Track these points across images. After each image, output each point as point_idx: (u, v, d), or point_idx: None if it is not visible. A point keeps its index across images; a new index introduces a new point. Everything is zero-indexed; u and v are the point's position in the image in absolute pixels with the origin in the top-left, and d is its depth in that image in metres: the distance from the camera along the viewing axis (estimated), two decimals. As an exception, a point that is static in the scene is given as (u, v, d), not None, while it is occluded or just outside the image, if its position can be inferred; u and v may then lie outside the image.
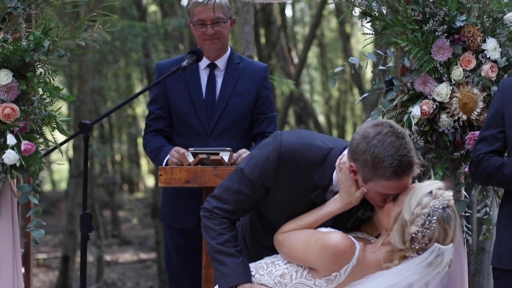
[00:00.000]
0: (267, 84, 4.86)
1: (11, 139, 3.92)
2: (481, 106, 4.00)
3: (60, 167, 17.01)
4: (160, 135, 4.77)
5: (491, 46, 4.01)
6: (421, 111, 3.97)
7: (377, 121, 3.39)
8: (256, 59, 9.53)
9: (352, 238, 3.38)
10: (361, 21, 4.10)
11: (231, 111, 4.72)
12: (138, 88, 16.23)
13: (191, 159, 4.18)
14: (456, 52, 4.00)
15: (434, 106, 3.99)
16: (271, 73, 5.93)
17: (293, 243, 3.43)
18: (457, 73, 3.99)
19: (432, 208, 3.25)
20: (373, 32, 4.12)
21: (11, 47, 3.92)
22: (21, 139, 3.96)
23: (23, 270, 4.22)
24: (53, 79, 4.04)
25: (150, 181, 21.92)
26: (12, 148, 3.92)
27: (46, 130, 4.11)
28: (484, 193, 4.12)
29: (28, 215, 4.11)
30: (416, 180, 3.58)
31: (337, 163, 3.46)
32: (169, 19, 12.32)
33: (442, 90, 3.98)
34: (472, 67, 4.00)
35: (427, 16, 3.99)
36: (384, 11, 4.06)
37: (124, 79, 15.85)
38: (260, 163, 3.50)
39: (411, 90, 4.05)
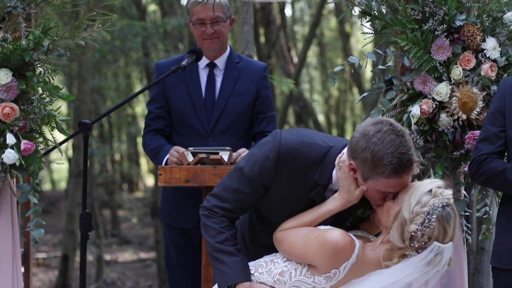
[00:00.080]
0: (267, 83, 4.86)
1: (10, 139, 3.92)
2: (481, 106, 4.00)
3: (59, 167, 17.00)
4: (159, 135, 4.77)
5: (491, 46, 4.01)
6: (420, 111, 3.97)
7: (377, 119, 3.39)
8: (255, 58, 9.53)
9: (352, 235, 3.38)
10: (361, 20, 4.10)
11: (231, 111, 4.72)
12: (137, 88, 16.21)
13: (190, 158, 4.19)
14: (455, 52, 4.00)
15: (434, 106, 3.99)
16: (270, 73, 5.94)
17: (293, 240, 3.43)
18: (457, 72, 3.99)
19: (432, 206, 3.25)
20: (373, 32, 4.12)
21: (11, 47, 3.92)
22: (21, 138, 3.95)
23: (22, 269, 4.22)
24: (53, 79, 4.04)
25: (149, 181, 21.91)
26: (12, 147, 3.92)
27: (46, 130, 4.11)
28: (484, 192, 4.12)
29: (27, 215, 4.10)
30: (415, 179, 3.58)
31: (336, 162, 3.46)
32: (168, 18, 12.30)
33: (442, 90, 3.98)
34: (472, 67, 4.00)
35: (427, 16, 3.99)
36: (384, 11, 4.06)
37: (124, 79, 15.82)
38: (259, 162, 3.49)
39: (410, 90, 4.05)
